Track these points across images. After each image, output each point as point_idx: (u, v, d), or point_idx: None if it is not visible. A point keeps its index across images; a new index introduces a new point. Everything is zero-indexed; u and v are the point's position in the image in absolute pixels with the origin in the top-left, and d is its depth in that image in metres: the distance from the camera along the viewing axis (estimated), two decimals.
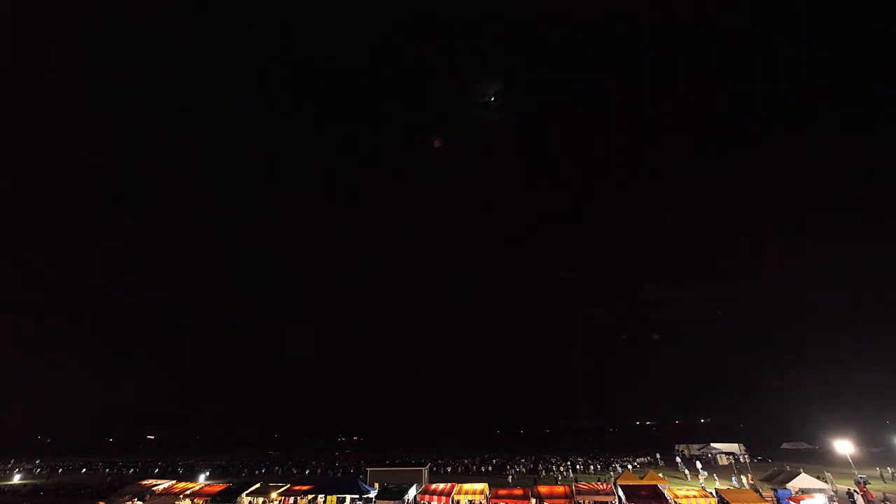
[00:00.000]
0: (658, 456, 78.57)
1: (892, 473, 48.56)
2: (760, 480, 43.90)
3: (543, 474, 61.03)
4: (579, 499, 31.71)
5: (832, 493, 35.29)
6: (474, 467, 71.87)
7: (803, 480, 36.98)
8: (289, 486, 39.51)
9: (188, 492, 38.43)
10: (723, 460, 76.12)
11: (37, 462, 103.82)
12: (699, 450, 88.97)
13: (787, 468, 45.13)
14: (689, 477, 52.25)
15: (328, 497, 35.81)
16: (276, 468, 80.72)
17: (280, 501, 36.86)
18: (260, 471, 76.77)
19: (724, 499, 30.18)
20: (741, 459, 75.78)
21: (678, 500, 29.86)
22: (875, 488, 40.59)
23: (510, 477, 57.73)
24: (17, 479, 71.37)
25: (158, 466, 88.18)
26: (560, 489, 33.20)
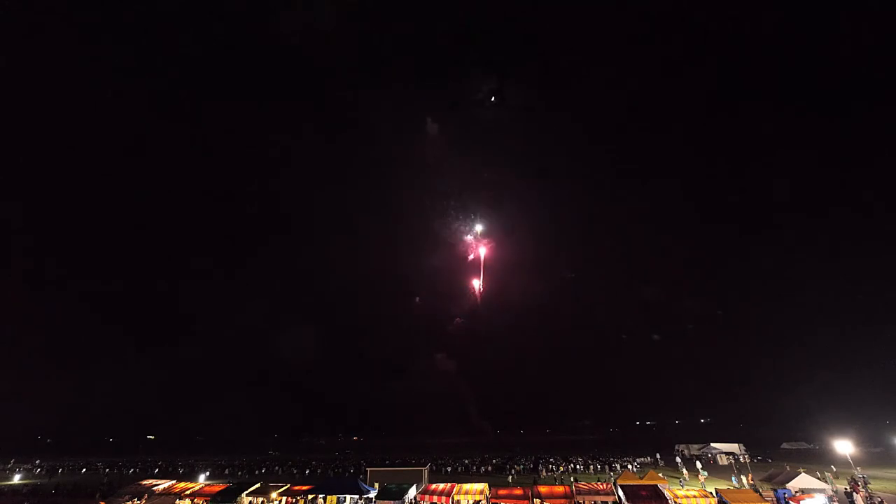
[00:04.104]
0: (658, 456, 78.55)
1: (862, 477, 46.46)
2: (760, 480, 43.92)
3: (543, 474, 61.03)
4: (579, 499, 31.70)
5: (832, 493, 35.30)
6: (474, 467, 71.84)
7: (803, 480, 37.01)
8: (289, 486, 39.51)
9: (188, 492, 38.42)
10: (723, 460, 76.13)
11: (37, 462, 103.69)
12: (699, 450, 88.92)
13: (787, 468, 45.16)
14: (687, 477, 52.19)
15: (328, 497, 35.82)
16: (276, 468, 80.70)
17: (280, 501, 36.85)
18: (260, 471, 76.77)
19: (724, 499, 30.19)
20: (741, 459, 75.77)
21: (678, 500, 29.86)
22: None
23: (510, 477, 57.73)
24: (17, 479, 71.36)
25: (158, 466, 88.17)
26: (560, 489, 33.20)
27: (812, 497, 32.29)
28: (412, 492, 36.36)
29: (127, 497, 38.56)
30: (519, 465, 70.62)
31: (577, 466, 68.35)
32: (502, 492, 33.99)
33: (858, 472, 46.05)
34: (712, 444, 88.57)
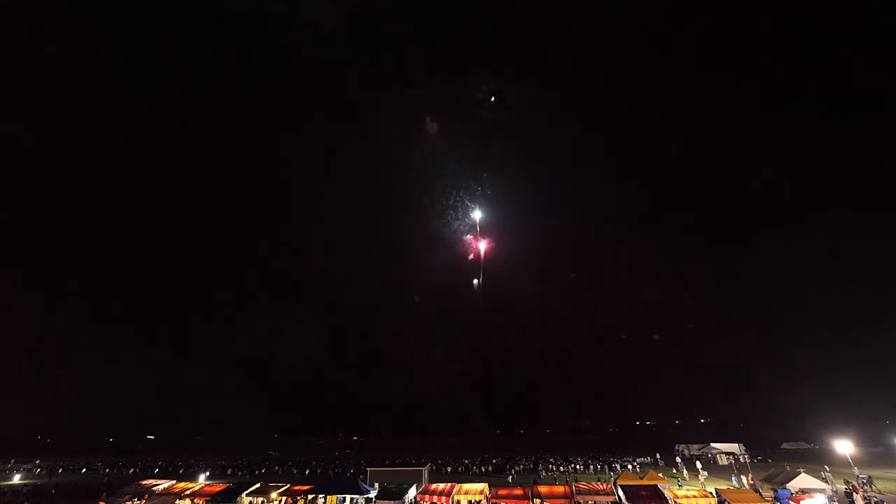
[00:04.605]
0: (658, 456, 78.59)
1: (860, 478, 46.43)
2: (760, 480, 43.94)
3: (543, 474, 61.05)
4: (579, 499, 31.71)
5: (832, 493, 35.32)
6: (474, 467, 71.86)
7: (803, 480, 37.04)
8: (289, 486, 39.51)
9: (188, 492, 38.43)
10: (723, 460, 76.16)
11: (37, 462, 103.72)
12: (699, 450, 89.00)
13: (787, 468, 45.19)
14: (687, 478, 52.21)
15: (328, 497, 35.81)
16: (276, 468, 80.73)
17: (280, 501, 36.86)
18: (260, 471, 76.78)
19: (723, 499, 30.20)
20: (741, 459, 75.81)
21: (678, 500, 29.87)
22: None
23: (510, 477, 57.74)
24: (17, 479, 71.35)
25: (158, 466, 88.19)
26: (560, 489, 33.20)
27: (812, 497, 32.31)
28: (412, 492, 36.36)
29: (127, 497, 38.57)
30: (519, 465, 70.64)
31: (577, 466, 68.39)
32: (502, 492, 34.00)
33: (856, 472, 46.19)
34: (712, 444, 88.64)
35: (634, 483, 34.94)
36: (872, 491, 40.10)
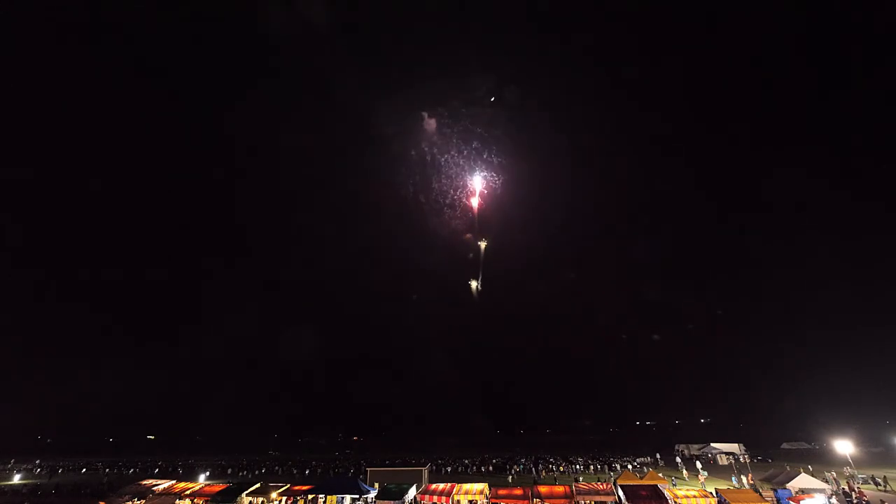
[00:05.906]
0: (658, 456, 78.58)
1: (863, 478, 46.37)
2: (760, 480, 43.93)
3: (543, 474, 61.06)
4: (579, 499, 31.71)
5: (832, 493, 35.32)
6: (474, 467, 71.88)
7: (803, 480, 37.03)
8: (289, 486, 39.54)
9: (188, 492, 38.45)
10: (723, 460, 76.16)
11: (37, 462, 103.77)
12: (699, 450, 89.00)
13: (787, 468, 45.19)
14: (687, 477, 52.23)
15: (328, 497, 35.84)
16: (276, 468, 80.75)
17: (280, 501, 36.88)
18: (260, 471, 76.79)
19: (724, 499, 30.21)
20: (741, 459, 75.81)
21: (678, 500, 29.87)
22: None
23: (510, 477, 57.75)
24: (17, 479, 71.36)
25: (158, 466, 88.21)
26: (560, 489, 33.21)
27: (812, 497, 32.32)
28: (412, 492, 36.37)
29: (127, 497, 38.58)
30: (519, 465, 70.65)
31: (577, 466, 68.39)
32: (502, 492, 34.00)
33: (846, 471, 46.28)
34: (712, 444, 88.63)
35: (634, 483, 34.96)
36: (886, 491, 40.25)
